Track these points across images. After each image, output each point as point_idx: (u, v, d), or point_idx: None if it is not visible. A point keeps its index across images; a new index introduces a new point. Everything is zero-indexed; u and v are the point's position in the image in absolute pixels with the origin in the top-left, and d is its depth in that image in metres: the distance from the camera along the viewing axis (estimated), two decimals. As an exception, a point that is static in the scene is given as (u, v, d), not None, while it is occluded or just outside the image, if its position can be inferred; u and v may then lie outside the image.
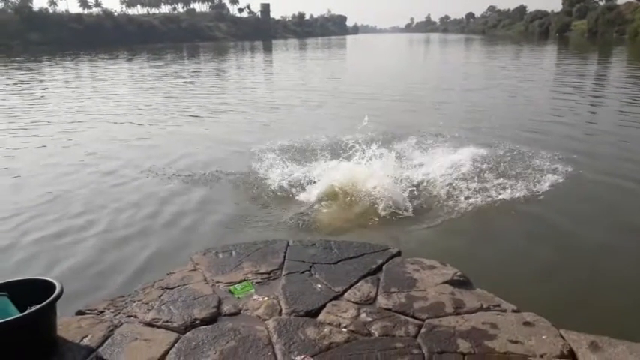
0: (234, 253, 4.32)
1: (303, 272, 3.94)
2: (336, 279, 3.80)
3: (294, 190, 6.94)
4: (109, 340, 3.09)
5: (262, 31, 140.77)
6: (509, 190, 6.83)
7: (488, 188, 6.95)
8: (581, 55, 39.17)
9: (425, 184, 7.11)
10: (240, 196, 7.00)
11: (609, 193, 7.19)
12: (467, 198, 6.59)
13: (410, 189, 6.74)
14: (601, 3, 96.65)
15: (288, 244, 4.47)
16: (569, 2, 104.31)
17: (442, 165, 7.95)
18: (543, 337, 3.01)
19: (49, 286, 3.02)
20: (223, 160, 8.98)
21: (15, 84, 23.82)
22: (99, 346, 3.03)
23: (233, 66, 37.73)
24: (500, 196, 6.63)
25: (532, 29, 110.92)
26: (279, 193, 6.93)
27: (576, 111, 14.01)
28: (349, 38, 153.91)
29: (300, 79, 26.18)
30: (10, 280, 3.15)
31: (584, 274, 4.85)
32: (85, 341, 3.07)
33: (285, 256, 4.22)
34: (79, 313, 3.45)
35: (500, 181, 7.25)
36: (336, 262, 4.10)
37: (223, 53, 57.47)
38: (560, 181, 7.34)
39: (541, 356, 2.84)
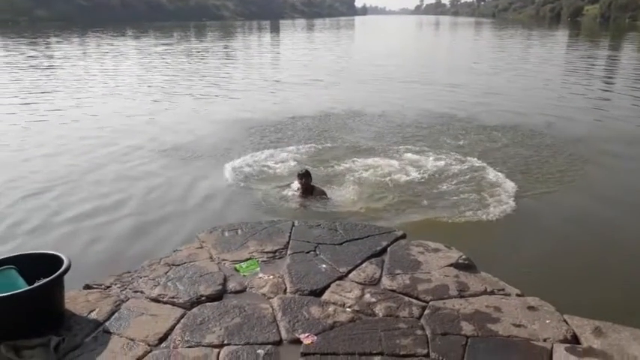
0: (240, 232, 4.34)
1: (308, 252, 3.96)
2: (341, 260, 3.82)
3: (300, 171, 6.93)
4: (116, 314, 3.14)
5: (270, 11, 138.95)
6: (516, 178, 6.79)
7: (495, 175, 6.91)
8: (595, 41, 38.55)
9: (433, 169, 7.07)
10: (247, 176, 7.00)
11: (628, 180, 7.13)
12: (475, 184, 6.56)
13: (419, 174, 6.74)
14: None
15: (293, 225, 4.48)
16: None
17: (451, 150, 7.93)
18: (547, 321, 3.02)
19: (57, 261, 3.05)
20: (232, 140, 8.96)
21: (27, 58, 23.77)
22: (106, 320, 3.07)
23: (241, 45, 37.44)
24: (509, 184, 6.59)
25: (543, 13, 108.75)
26: (285, 174, 6.93)
27: (589, 95, 13.90)
28: (358, 19, 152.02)
29: (310, 59, 25.98)
30: (19, 253, 3.19)
31: (589, 260, 4.85)
32: (93, 315, 3.11)
33: (290, 236, 4.24)
34: (87, 287, 3.49)
35: (506, 169, 7.21)
36: (341, 244, 4.11)
37: (231, 32, 56.98)
38: (573, 168, 7.29)
39: (544, 340, 2.85)
